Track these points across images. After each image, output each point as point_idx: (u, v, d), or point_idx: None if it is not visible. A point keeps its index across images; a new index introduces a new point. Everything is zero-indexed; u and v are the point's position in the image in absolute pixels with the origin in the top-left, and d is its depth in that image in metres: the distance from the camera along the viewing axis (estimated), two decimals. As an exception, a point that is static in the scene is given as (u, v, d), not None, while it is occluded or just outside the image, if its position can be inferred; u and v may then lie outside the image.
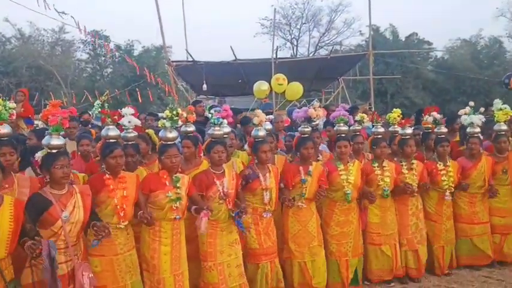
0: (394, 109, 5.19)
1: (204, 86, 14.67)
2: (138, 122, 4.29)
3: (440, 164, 5.03)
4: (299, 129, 4.87)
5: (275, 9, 17.51)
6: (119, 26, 37.40)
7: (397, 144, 5.10)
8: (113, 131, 3.77)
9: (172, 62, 15.58)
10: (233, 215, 3.98)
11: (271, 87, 12.68)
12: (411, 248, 4.94)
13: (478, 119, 5.22)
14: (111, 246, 3.52)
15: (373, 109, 14.54)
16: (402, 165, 4.91)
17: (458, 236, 5.22)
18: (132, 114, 4.22)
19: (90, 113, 7.48)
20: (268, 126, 4.92)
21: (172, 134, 3.94)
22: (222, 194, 4.00)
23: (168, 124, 3.94)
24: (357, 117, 5.16)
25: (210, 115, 4.55)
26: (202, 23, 41.10)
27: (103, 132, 3.85)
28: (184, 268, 3.87)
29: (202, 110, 6.57)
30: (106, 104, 4.51)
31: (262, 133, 4.44)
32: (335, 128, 5.02)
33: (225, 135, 4.52)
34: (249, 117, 6.98)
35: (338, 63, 17.13)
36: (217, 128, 4.32)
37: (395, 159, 5.06)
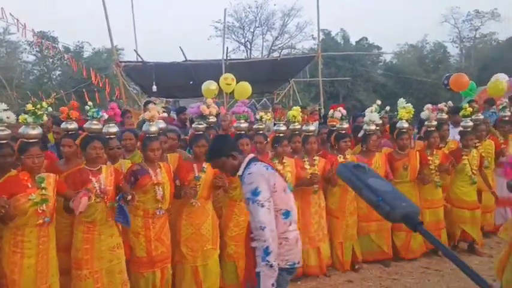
0: (294, 107, 5.06)
1: (154, 87, 14.39)
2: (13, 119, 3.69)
3: (340, 157, 4.96)
4: (193, 126, 4.59)
5: (225, 9, 17.60)
6: (68, 28, 36.39)
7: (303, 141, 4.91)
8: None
9: (121, 62, 15.27)
10: (116, 199, 3.63)
11: (219, 87, 12.67)
12: (313, 246, 4.79)
13: (377, 117, 5.18)
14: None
15: (322, 110, 14.84)
16: (304, 161, 4.78)
17: (359, 233, 5.17)
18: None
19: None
20: (162, 125, 4.58)
21: (35, 131, 3.44)
22: (98, 191, 3.60)
23: (30, 119, 3.43)
24: (258, 116, 4.92)
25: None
26: (155, 26, 40.67)
27: None
28: (53, 281, 3.42)
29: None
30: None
31: (153, 129, 4.09)
32: (235, 125, 4.72)
33: (111, 135, 4.17)
34: None
35: (288, 65, 17.29)
36: (94, 122, 3.90)
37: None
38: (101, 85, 14.24)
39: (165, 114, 5.21)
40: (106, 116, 4.12)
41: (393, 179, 5.17)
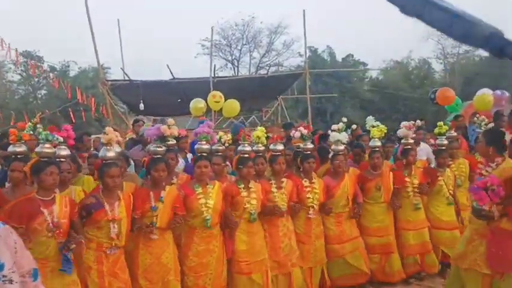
0: (259, 127, 4.83)
1: (141, 106, 14.34)
2: None
3: (306, 181, 4.69)
4: (150, 148, 4.23)
5: (212, 27, 17.78)
6: (54, 47, 36.26)
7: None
8: None
9: (107, 81, 15.25)
10: (60, 248, 3.23)
11: (207, 104, 12.71)
12: (283, 271, 4.44)
13: (344, 137, 4.95)
14: None
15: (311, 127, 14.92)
16: (271, 183, 4.50)
17: (330, 258, 4.82)
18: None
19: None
20: (118, 149, 4.27)
21: None
22: (50, 225, 3.22)
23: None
24: (217, 136, 4.70)
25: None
26: (142, 44, 40.74)
27: None
28: None
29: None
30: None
31: (111, 154, 3.71)
32: (196, 147, 4.40)
33: (61, 158, 3.81)
34: None
35: (276, 82, 17.44)
36: (47, 146, 3.53)
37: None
38: (86, 104, 14.19)
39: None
40: (61, 139, 3.79)
41: (365, 200, 4.98)
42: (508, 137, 3.75)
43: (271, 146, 4.71)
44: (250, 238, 4.30)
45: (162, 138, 4.33)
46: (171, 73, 15.08)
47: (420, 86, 28.97)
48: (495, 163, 3.66)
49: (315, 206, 4.66)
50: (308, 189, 4.67)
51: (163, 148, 4.26)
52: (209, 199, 4.05)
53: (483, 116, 5.70)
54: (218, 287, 4.12)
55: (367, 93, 28.48)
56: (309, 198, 4.64)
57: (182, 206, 3.97)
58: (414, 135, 5.61)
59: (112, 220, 3.53)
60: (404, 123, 5.44)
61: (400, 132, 5.40)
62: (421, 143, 6.31)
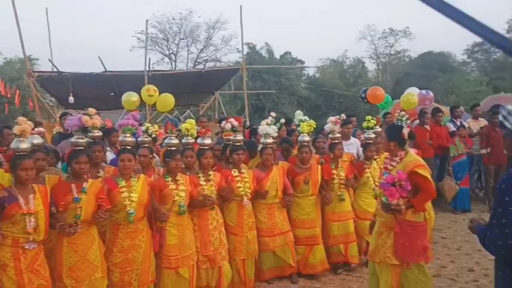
0: (188, 119, 4.79)
1: (71, 99, 13.71)
2: None
3: (235, 171, 4.75)
4: (72, 140, 4.05)
5: (147, 20, 17.39)
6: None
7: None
8: None
9: (34, 72, 14.45)
10: None
11: (141, 98, 12.32)
12: (213, 266, 4.45)
13: (273, 130, 5.08)
14: None
15: (248, 122, 15.02)
16: (199, 176, 4.49)
17: (261, 250, 4.92)
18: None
19: None
20: (38, 140, 4.08)
21: None
22: None
23: None
24: (143, 128, 4.66)
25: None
26: (72, 35, 39.07)
27: None
28: None
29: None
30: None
31: (24, 146, 3.51)
32: (119, 139, 4.31)
33: None
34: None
35: (213, 77, 17.34)
36: None
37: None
38: (9, 96, 13.35)
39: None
40: None
41: (294, 193, 5.09)
42: (405, 131, 3.92)
43: (199, 140, 4.68)
44: (180, 232, 4.25)
45: (83, 129, 4.12)
46: (103, 65, 14.56)
47: (354, 84, 30.15)
48: (398, 157, 3.83)
49: (248, 194, 4.72)
50: (238, 178, 4.72)
51: (85, 139, 4.06)
52: (132, 192, 3.93)
53: (403, 112, 6.01)
54: (145, 283, 4.03)
55: (304, 90, 29.19)
56: (239, 187, 4.69)
57: (107, 198, 3.83)
58: (341, 129, 5.80)
59: (27, 213, 3.34)
60: (330, 119, 5.63)
61: (327, 127, 5.59)
62: (352, 138, 6.57)
